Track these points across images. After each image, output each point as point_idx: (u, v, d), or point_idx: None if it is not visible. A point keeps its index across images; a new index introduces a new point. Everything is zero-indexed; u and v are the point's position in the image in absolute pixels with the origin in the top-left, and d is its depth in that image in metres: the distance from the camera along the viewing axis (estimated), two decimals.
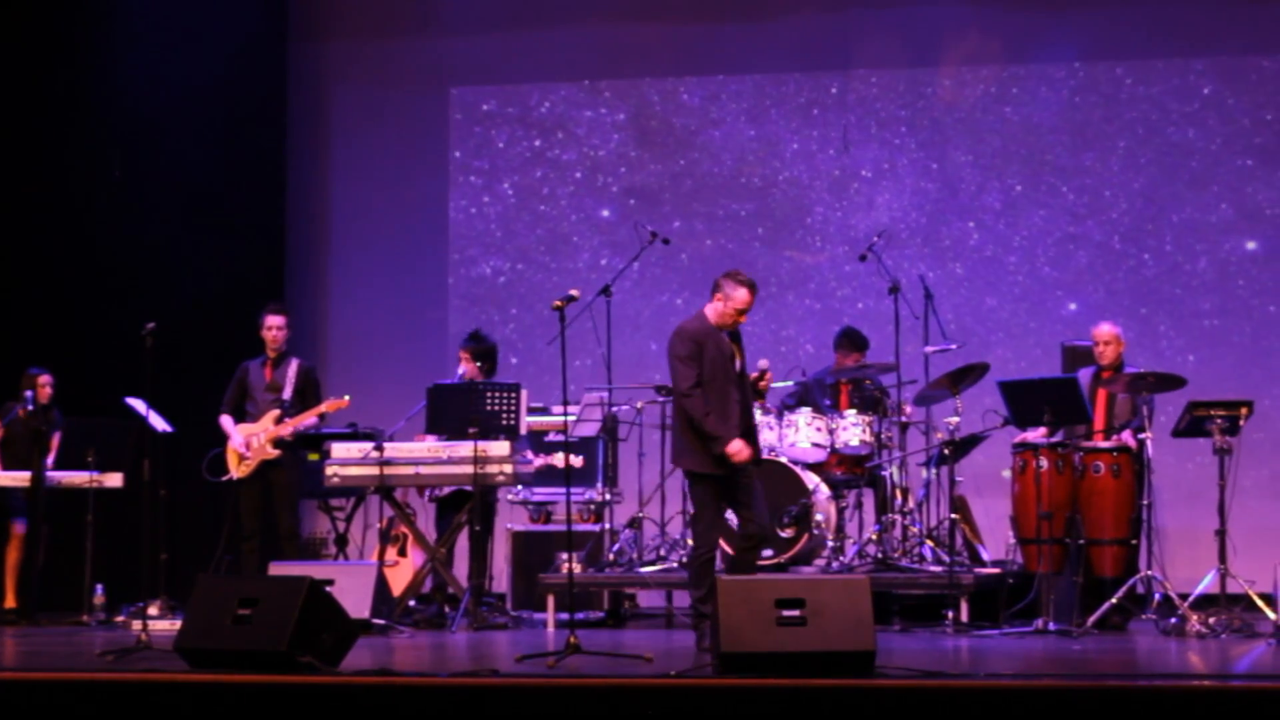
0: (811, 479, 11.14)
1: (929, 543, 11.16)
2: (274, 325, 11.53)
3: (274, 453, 11.33)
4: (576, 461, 11.64)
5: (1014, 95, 13.61)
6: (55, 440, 12.04)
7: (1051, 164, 13.55)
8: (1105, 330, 11.03)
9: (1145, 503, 10.47)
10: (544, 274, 14.07)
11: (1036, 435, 10.68)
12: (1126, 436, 10.68)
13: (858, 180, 13.78)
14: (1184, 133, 13.40)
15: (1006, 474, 11.11)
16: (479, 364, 11.53)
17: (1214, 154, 13.39)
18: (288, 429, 11.33)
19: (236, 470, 11.43)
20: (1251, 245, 13.36)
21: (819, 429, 11.28)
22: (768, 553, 10.88)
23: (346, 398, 11.46)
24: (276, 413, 11.36)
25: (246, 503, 11.46)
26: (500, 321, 13.96)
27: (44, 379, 12.10)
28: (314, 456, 11.81)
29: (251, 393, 11.53)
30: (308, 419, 11.38)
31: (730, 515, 9.50)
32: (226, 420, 11.50)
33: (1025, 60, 13.62)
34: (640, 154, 14.12)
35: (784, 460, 11.13)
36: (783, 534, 10.95)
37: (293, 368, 11.55)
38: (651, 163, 14.10)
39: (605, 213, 14.14)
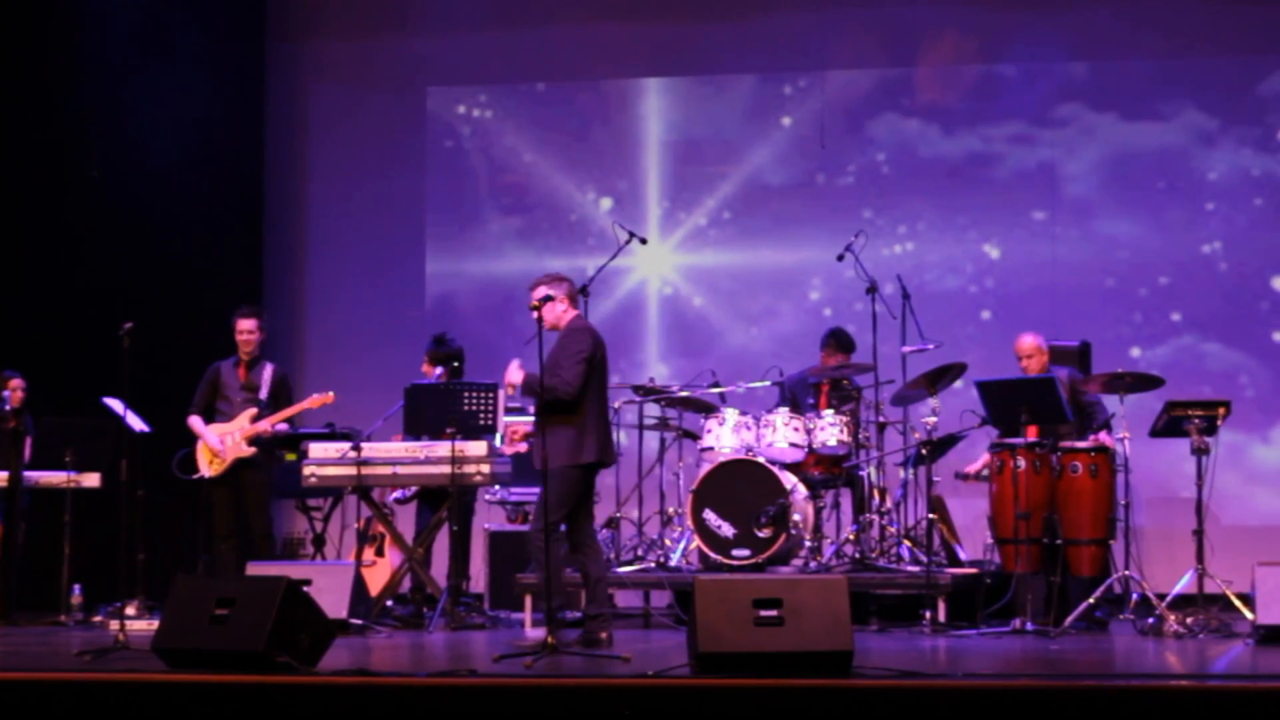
0: (789, 479, 11.15)
1: (906, 543, 11.18)
2: (245, 330, 11.51)
3: (249, 450, 11.32)
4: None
5: (993, 94, 13.63)
6: (28, 445, 11.94)
7: (1034, 164, 13.57)
8: (1027, 343, 11.04)
9: (1123, 503, 10.49)
10: (522, 274, 14.03)
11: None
12: (1104, 436, 10.69)
13: (835, 179, 13.78)
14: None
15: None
16: (440, 368, 11.47)
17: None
18: (266, 425, 11.31)
19: (208, 469, 11.41)
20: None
21: (796, 429, 11.29)
22: (745, 552, 10.90)
23: (331, 394, 11.44)
24: (253, 411, 11.35)
25: (219, 502, 11.44)
26: (479, 321, 13.93)
27: (15, 382, 12.01)
28: (291, 456, 11.79)
29: (225, 393, 11.50)
30: (288, 414, 11.36)
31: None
32: (196, 421, 11.48)
33: (1003, 60, 13.63)
34: (617, 153, 14.12)
35: (761, 460, 11.13)
36: (760, 534, 10.96)
37: (268, 370, 11.54)
38: (629, 162, 14.09)
39: (584, 212, 14.12)
